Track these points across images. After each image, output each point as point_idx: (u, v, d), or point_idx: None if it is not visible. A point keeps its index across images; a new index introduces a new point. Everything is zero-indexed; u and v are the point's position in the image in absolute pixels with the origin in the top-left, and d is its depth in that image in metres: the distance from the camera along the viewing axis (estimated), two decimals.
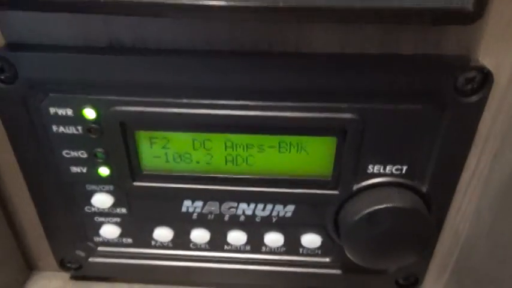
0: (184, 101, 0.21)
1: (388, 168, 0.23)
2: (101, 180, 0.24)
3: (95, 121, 0.22)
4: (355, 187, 0.24)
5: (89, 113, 0.22)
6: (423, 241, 0.24)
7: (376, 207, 0.23)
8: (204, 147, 0.23)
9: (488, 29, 0.19)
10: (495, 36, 0.19)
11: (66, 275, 0.30)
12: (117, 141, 0.22)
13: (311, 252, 0.27)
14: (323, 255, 0.28)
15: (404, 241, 0.24)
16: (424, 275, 0.28)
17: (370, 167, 0.23)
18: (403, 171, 0.23)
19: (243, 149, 0.23)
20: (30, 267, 0.31)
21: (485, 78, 0.20)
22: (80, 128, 0.22)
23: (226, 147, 0.23)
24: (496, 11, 0.19)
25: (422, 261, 0.27)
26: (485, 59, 0.20)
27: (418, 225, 0.23)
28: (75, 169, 0.24)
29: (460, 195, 0.25)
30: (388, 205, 0.23)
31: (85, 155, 0.23)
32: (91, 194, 0.25)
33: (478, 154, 0.23)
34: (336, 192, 0.24)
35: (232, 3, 0.17)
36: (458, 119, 0.21)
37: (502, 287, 0.23)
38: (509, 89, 0.21)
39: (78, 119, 0.22)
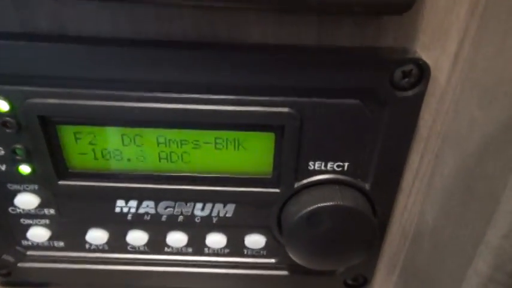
0: (110, 92, 0.20)
1: (329, 165, 0.22)
2: (23, 179, 0.22)
3: (10, 114, 0.20)
4: (297, 185, 0.23)
5: (3, 106, 0.20)
6: (366, 241, 0.23)
7: (317, 206, 0.22)
8: (134, 143, 0.22)
9: (424, 22, 0.19)
10: (431, 30, 0.19)
11: None
12: (38, 137, 0.21)
13: (256, 253, 0.26)
14: (268, 256, 0.26)
15: (348, 241, 0.23)
16: (372, 275, 0.28)
17: (310, 163, 0.22)
18: (345, 168, 0.22)
19: (177, 145, 0.22)
20: None
21: (422, 72, 0.19)
22: None
23: (158, 143, 0.22)
24: (430, 3, 0.18)
25: (370, 261, 0.27)
26: (423, 53, 0.19)
27: (361, 224, 0.22)
28: None
29: (405, 195, 0.24)
30: (329, 203, 0.22)
31: (2, 152, 0.21)
32: (14, 194, 0.23)
33: (420, 154, 0.23)
34: (277, 190, 0.23)
35: None
36: (397, 114, 0.20)
37: (442, 286, 0.22)
38: (448, 87, 0.20)
39: None
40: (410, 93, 0.19)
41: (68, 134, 0.21)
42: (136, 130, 0.21)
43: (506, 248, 0.16)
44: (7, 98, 0.19)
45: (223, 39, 0.19)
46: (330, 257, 0.24)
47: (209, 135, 0.21)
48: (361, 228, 0.23)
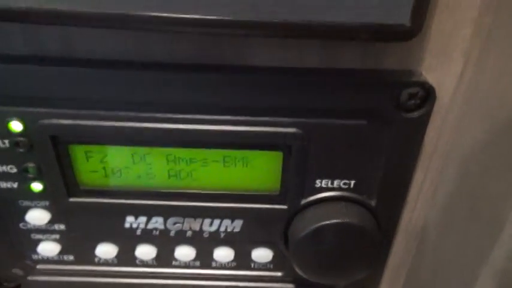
0: (121, 113, 0.20)
1: (336, 182, 0.22)
2: (35, 196, 0.23)
3: (22, 134, 0.20)
4: (304, 202, 0.23)
5: (16, 126, 0.20)
6: (371, 257, 0.23)
7: (324, 223, 0.22)
8: (144, 161, 0.22)
9: (430, 45, 0.19)
10: (437, 52, 0.19)
11: None
12: (49, 156, 0.21)
13: (262, 267, 0.27)
14: (275, 269, 0.27)
15: (353, 256, 0.23)
16: None
17: (317, 181, 0.22)
18: (351, 186, 0.23)
19: (186, 163, 0.22)
20: None
21: (428, 94, 0.19)
22: (6, 141, 0.21)
23: (168, 161, 0.22)
24: (436, 26, 0.18)
25: (375, 275, 0.27)
26: (428, 74, 0.20)
27: (366, 241, 0.23)
28: (4, 184, 0.22)
29: (409, 210, 0.25)
30: (336, 220, 0.22)
31: (14, 170, 0.22)
32: (25, 210, 0.23)
33: (425, 170, 0.23)
34: (284, 206, 0.23)
35: (170, 15, 0.16)
36: (402, 134, 0.20)
37: None
38: (453, 105, 0.21)
39: (4, 132, 0.20)
40: (416, 114, 0.20)
41: (78, 153, 0.21)
42: (146, 149, 0.22)
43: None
44: (20, 118, 0.20)
45: (229, 62, 0.20)
46: (335, 272, 0.24)
47: (218, 153, 0.22)
48: (367, 245, 0.23)
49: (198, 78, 0.19)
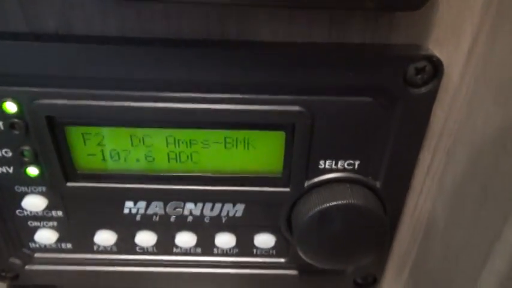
0: (120, 93, 0.19)
1: (340, 163, 0.22)
2: (31, 181, 0.22)
3: (17, 115, 0.20)
4: (307, 184, 0.22)
5: (10, 107, 0.19)
6: (377, 239, 0.23)
7: (328, 204, 0.22)
8: (143, 143, 0.21)
9: (438, 18, 0.18)
10: (445, 26, 0.19)
11: (2, 285, 0.28)
12: (45, 138, 0.20)
13: (265, 253, 0.26)
14: (278, 255, 0.26)
15: (359, 240, 0.23)
16: (382, 274, 0.27)
17: (321, 162, 0.22)
18: (356, 167, 0.22)
19: (187, 145, 0.21)
20: None
21: (436, 68, 0.19)
22: (0, 123, 0.20)
23: (167, 143, 0.21)
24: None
25: (380, 261, 0.27)
26: (436, 49, 0.19)
27: (372, 223, 0.22)
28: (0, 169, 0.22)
29: (415, 194, 0.24)
30: (340, 202, 0.22)
31: (9, 154, 0.21)
32: (21, 196, 0.23)
33: (432, 152, 0.22)
34: (287, 189, 0.23)
35: None
36: (409, 111, 0.20)
37: (456, 286, 0.22)
38: (462, 82, 0.20)
39: None
40: (423, 89, 0.19)
41: (76, 135, 0.21)
42: (145, 130, 0.21)
43: None
44: (15, 99, 0.19)
45: (232, 37, 0.19)
46: (341, 256, 0.24)
47: (219, 134, 0.21)
48: (372, 226, 0.22)
49: (199, 54, 0.18)
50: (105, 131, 0.21)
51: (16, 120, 0.20)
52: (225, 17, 0.19)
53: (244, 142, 0.21)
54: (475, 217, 0.20)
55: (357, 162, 0.22)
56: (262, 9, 0.18)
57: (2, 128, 0.20)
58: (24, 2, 0.18)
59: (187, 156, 0.22)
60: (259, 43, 0.19)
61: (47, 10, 0.18)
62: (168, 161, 0.22)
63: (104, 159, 0.22)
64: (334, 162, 0.22)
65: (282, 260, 0.26)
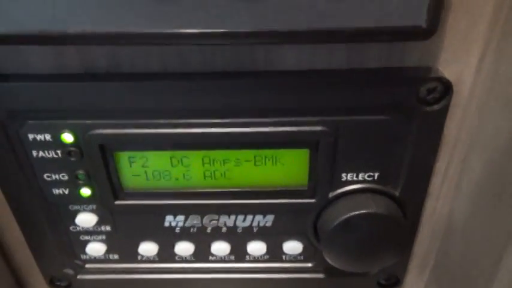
0: (161, 121, 0.22)
1: (360, 175, 0.24)
2: (84, 201, 0.25)
3: (73, 145, 0.22)
4: (331, 195, 0.24)
5: (68, 138, 0.22)
6: (399, 243, 0.25)
7: (352, 214, 0.23)
8: (182, 164, 0.24)
9: (446, 42, 0.20)
10: (453, 48, 0.20)
11: None
12: (97, 163, 0.23)
13: (293, 259, 0.28)
14: (305, 260, 0.28)
15: (381, 244, 0.25)
16: (404, 275, 0.29)
17: (343, 175, 0.24)
18: (375, 178, 0.24)
19: (220, 164, 0.24)
20: (21, 285, 0.31)
21: (446, 88, 0.21)
22: (59, 152, 0.23)
23: (203, 163, 0.24)
24: (451, 25, 0.19)
25: (402, 262, 0.28)
26: (446, 69, 0.21)
27: (393, 229, 0.24)
28: (57, 191, 0.24)
29: (433, 199, 0.26)
30: (363, 211, 0.23)
31: (66, 177, 0.24)
32: (75, 213, 0.26)
33: (447, 160, 0.24)
34: (312, 200, 0.25)
35: (203, 30, 0.18)
36: (424, 127, 0.22)
37: (475, 285, 0.23)
38: (472, 96, 0.22)
39: (57, 143, 0.22)
40: (435, 107, 0.21)
41: (123, 159, 0.23)
42: (184, 153, 0.23)
43: None
44: (72, 130, 0.22)
45: (261, 68, 0.21)
46: (365, 260, 0.25)
47: (249, 153, 0.23)
48: (393, 232, 0.24)
49: (232, 84, 0.21)
50: (149, 154, 0.23)
51: (72, 148, 0.23)
52: (253, 51, 0.21)
53: (272, 159, 0.24)
54: (490, 218, 0.21)
55: (376, 174, 0.24)
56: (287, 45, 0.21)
57: (60, 155, 0.23)
58: (80, 48, 0.20)
59: (221, 174, 0.24)
60: (285, 72, 0.21)
61: (99, 52, 0.21)
62: (204, 179, 0.24)
63: (147, 179, 0.24)
64: (355, 174, 0.24)
65: (309, 264, 0.28)
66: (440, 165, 0.24)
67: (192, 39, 0.18)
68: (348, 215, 0.24)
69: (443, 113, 0.21)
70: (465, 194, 0.25)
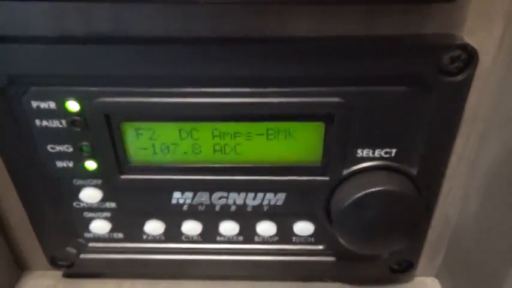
0: (170, 90, 0.21)
1: (377, 152, 0.23)
2: (88, 175, 0.24)
3: (78, 114, 0.22)
4: (345, 172, 0.23)
5: (72, 106, 0.21)
6: (414, 224, 0.24)
7: (366, 191, 0.23)
8: (191, 136, 0.23)
9: (471, 7, 0.19)
10: (478, 15, 0.19)
11: (57, 273, 0.30)
12: (103, 134, 0.22)
13: (304, 240, 0.27)
14: (316, 242, 0.27)
15: (396, 224, 0.24)
16: (417, 259, 0.28)
17: (359, 151, 0.23)
18: (392, 155, 0.23)
19: (231, 137, 0.23)
20: (20, 266, 0.30)
21: (470, 57, 0.20)
22: (63, 121, 0.22)
23: (213, 136, 0.23)
24: None
25: (415, 246, 0.27)
26: (469, 37, 0.20)
27: (409, 208, 0.23)
28: (60, 164, 0.23)
29: (448, 179, 0.25)
30: (378, 188, 0.23)
31: (70, 149, 0.23)
32: (79, 189, 0.25)
33: (465, 137, 0.23)
34: (326, 178, 0.24)
35: None
36: (444, 99, 0.21)
37: (490, 268, 0.23)
38: (494, 69, 0.21)
39: (62, 112, 0.21)
40: (459, 77, 0.20)
41: (130, 130, 0.23)
42: (193, 124, 0.22)
43: None
44: (77, 98, 0.21)
45: (271, 34, 0.20)
46: (378, 241, 0.24)
47: (261, 126, 0.22)
48: (409, 212, 0.23)
49: (242, 51, 0.20)
50: (156, 125, 0.22)
51: (77, 117, 0.22)
52: (262, 15, 0.20)
53: (285, 133, 0.23)
54: (509, 199, 0.21)
55: (393, 150, 0.23)
56: (298, 7, 0.20)
57: (65, 125, 0.22)
58: (83, 8, 0.19)
59: (232, 148, 0.23)
60: (297, 38, 0.20)
61: (104, 15, 0.20)
62: (214, 153, 0.23)
63: (154, 152, 0.23)
64: (371, 151, 0.23)
65: (320, 247, 0.28)
66: (458, 143, 0.24)
67: None
68: (363, 193, 0.23)
69: (465, 85, 0.20)
70: (481, 173, 0.24)
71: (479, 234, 0.24)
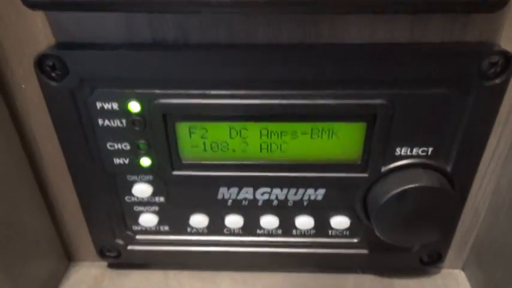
0: (223, 92, 0.22)
1: (414, 150, 0.24)
2: (142, 171, 0.26)
3: (139, 114, 0.23)
4: (383, 169, 0.25)
5: (134, 107, 0.23)
6: (449, 218, 0.25)
7: (405, 187, 0.24)
8: (240, 135, 0.24)
9: (509, 17, 0.21)
10: None
11: (103, 264, 0.32)
12: (159, 133, 0.24)
13: (339, 234, 0.29)
14: (351, 236, 0.29)
15: (431, 218, 0.25)
16: (447, 251, 0.30)
17: (397, 149, 0.24)
18: (429, 153, 0.24)
19: (278, 136, 0.24)
20: (68, 257, 0.32)
21: (508, 62, 0.21)
22: (124, 121, 0.23)
23: (261, 135, 0.24)
24: None
25: (445, 239, 0.29)
26: (507, 44, 0.21)
27: (444, 203, 0.24)
28: (118, 160, 0.25)
29: (480, 175, 0.26)
30: (416, 185, 0.24)
31: (128, 147, 0.24)
32: (132, 184, 0.26)
33: (498, 136, 0.25)
34: (365, 175, 0.25)
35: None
36: (482, 101, 0.22)
37: None
38: None
39: (123, 112, 0.23)
40: (496, 81, 0.21)
41: (183, 129, 0.24)
42: (243, 124, 0.24)
43: None
44: (139, 100, 0.23)
45: (324, 40, 0.22)
46: (414, 234, 0.26)
47: (306, 126, 0.24)
48: (444, 207, 0.25)
49: (292, 56, 0.21)
50: (209, 125, 0.24)
51: (137, 117, 0.23)
52: (317, 23, 0.21)
53: (329, 132, 0.24)
54: None
55: (430, 149, 0.24)
56: (350, 15, 0.21)
57: (125, 124, 0.23)
58: (150, 17, 0.21)
59: (277, 146, 0.25)
60: (348, 45, 0.22)
61: (169, 24, 0.21)
62: (260, 151, 0.25)
63: (205, 150, 0.25)
64: (409, 149, 0.24)
65: (355, 240, 0.29)
66: (490, 142, 0.25)
67: (257, 8, 0.19)
68: (401, 189, 0.24)
69: (502, 87, 0.22)
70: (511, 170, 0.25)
71: (508, 229, 0.26)
